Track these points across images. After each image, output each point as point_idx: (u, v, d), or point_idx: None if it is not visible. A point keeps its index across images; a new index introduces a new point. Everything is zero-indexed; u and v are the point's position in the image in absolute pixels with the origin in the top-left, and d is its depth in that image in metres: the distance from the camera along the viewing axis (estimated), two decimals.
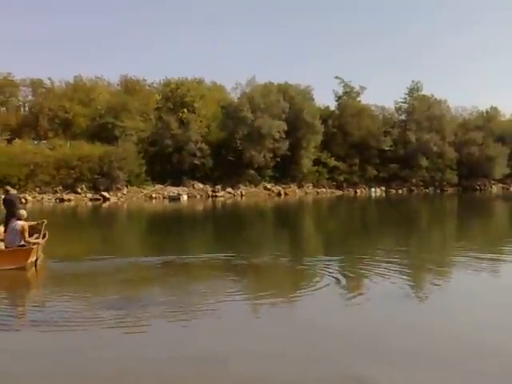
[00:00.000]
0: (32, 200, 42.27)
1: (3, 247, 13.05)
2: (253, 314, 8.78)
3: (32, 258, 12.66)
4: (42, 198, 43.27)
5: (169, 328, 7.78)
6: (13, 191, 16.73)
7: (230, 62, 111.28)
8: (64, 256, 13.99)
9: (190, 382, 5.94)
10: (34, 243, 12.94)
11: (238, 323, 8.05)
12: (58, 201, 43.00)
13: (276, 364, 6.36)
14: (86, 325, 7.81)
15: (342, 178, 56.60)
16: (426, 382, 5.87)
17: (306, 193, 53.58)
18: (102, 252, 15.09)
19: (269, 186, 52.09)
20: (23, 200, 40.43)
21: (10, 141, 48.68)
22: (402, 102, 63.69)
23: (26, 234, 12.83)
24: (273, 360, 6.46)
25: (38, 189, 44.36)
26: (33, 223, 14.38)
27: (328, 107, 61.38)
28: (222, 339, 7.27)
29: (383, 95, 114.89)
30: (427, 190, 60.16)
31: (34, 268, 12.56)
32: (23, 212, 13.38)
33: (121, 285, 10.89)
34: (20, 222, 12.89)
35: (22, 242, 12.71)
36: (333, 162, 56.09)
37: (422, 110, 61.48)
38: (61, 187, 44.90)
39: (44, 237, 14.10)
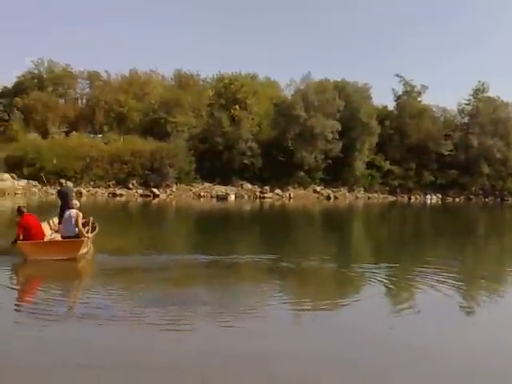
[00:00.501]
0: (86, 193, 43.29)
1: (59, 238, 13.63)
2: (297, 317, 8.72)
3: (83, 250, 13.04)
4: (96, 192, 44.31)
5: (211, 328, 7.76)
6: (68, 184, 17.77)
7: (284, 57, 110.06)
8: (113, 250, 14.16)
9: (231, 380, 6.00)
10: (85, 235, 13.31)
11: (282, 326, 8.06)
12: (110, 195, 43.88)
13: (318, 367, 6.39)
14: (130, 321, 7.90)
15: (396, 182, 54.62)
16: None
17: (357, 197, 52.18)
18: (150, 248, 15.32)
19: (318, 188, 51.05)
20: (78, 193, 41.65)
21: (67, 133, 49.85)
22: (466, 104, 60.78)
23: (80, 223, 13.26)
24: (315, 363, 6.51)
25: (92, 183, 45.37)
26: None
27: (386, 107, 59.35)
28: (265, 340, 7.28)
29: (445, 96, 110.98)
30: (487, 200, 57.13)
31: (83, 260, 13.01)
32: (76, 202, 13.97)
33: (166, 282, 10.98)
34: (75, 210, 13.36)
35: (77, 231, 13.14)
36: (387, 165, 54.24)
37: (486, 113, 58.43)
38: (113, 182, 45.71)
39: (94, 230, 14.66)
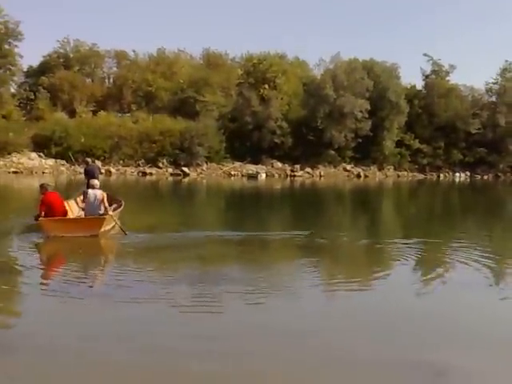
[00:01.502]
0: (116, 172, 43.39)
1: (83, 216, 13.52)
2: (329, 294, 8.63)
3: (105, 227, 12.92)
4: (125, 171, 44.30)
5: (243, 306, 7.66)
6: (95, 162, 17.79)
7: (314, 37, 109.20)
8: (142, 228, 14.01)
9: (265, 356, 5.87)
10: (109, 213, 13.17)
11: (315, 304, 7.94)
12: (140, 174, 43.96)
13: (351, 341, 6.36)
14: (157, 300, 7.67)
15: (425, 161, 54.39)
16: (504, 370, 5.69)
17: (387, 175, 52.10)
18: (181, 226, 15.28)
19: (348, 167, 51.01)
20: (108, 172, 41.77)
21: (95, 112, 49.82)
22: (493, 83, 60.25)
23: (106, 202, 13.23)
24: (348, 338, 6.50)
25: (121, 161, 45.34)
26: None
27: (414, 86, 58.74)
28: (299, 318, 7.20)
29: (473, 75, 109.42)
30: None
31: (109, 238, 12.92)
32: (96, 181, 13.82)
33: (197, 260, 10.83)
34: (100, 191, 13.35)
35: (102, 211, 13.04)
36: (416, 144, 53.95)
37: None
38: (143, 161, 45.66)
39: (119, 208, 14.61)
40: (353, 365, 5.71)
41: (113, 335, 6.39)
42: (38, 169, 41.89)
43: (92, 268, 10.15)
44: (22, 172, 40.89)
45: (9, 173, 39.89)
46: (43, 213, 12.33)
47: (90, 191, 13.30)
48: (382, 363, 5.75)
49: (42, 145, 43.81)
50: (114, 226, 13.51)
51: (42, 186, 13.02)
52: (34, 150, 43.87)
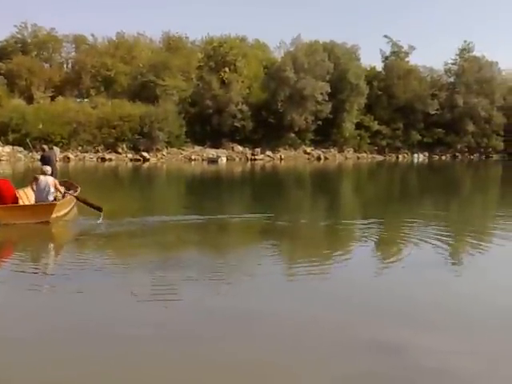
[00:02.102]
0: (74, 159, 42.97)
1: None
2: (288, 277, 8.65)
3: (58, 213, 13.01)
4: (84, 157, 43.83)
5: (202, 292, 7.57)
6: (53, 148, 17.78)
7: (274, 19, 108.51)
8: (99, 214, 13.66)
9: (220, 340, 5.91)
10: (58, 199, 13.31)
11: (274, 287, 7.92)
12: (99, 160, 43.51)
13: (308, 325, 6.34)
14: (112, 288, 7.68)
15: (384, 142, 55.27)
16: (460, 348, 5.80)
17: (347, 158, 52.70)
18: (140, 211, 15.19)
19: (309, 149, 51.39)
20: (66, 158, 41.43)
21: (53, 98, 49.06)
22: (452, 64, 61.20)
23: (61, 188, 13.67)
24: (306, 324, 6.43)
25: (80, 147, 44.82)
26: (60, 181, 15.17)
27: (374, 68, 59.42)
28: (256, 301, 7.22)
29: (431, 56, 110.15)
30: (472, 157, 58.49)
31: (62, 224, 12.95)
32: (48, 168, 13.91)
33: (155, 246, 10.78)
34: (51, 178, 13.49)
35: (52, 198, 13.14)
36: (376, 125, 54.71)
37: (471, 72, 58.97)
38: (102, 146, 45.25)
39: (75, 193, 14.66)
40: (309, 348, 5.74)
41: (66, 326, 6.32)
42: None
43: (44, 257, 10.15)
44: None
45: None
46: None
47: (42, 177, 13.36)
48: (339, 345, 5.82)
49: None
50: (68, 212, 13.70)
51: None
52: None
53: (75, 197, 14.07)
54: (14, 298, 7.39)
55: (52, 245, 11.50)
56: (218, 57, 50.40)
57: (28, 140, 36.71)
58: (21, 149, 41.98)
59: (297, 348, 5.73)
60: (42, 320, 6.50)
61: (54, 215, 12.77)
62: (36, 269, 8.95)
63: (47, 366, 5.36)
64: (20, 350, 5.64)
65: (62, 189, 14.12)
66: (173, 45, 55.66)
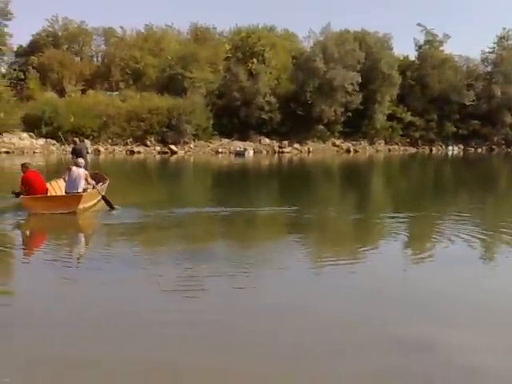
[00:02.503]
0: (104, 151, 43.27)
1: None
2: (316, 270, 8.60)
3: (85, 204, 13.64)
4: (114, 150, 44.04)
5: (227, 285, 7.61)
6: (84, 141, 18.87)
7: (303, 8, 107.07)
8: (128, 206, 14.14)
9: (247, 333, 5.97)
10: (87, 190, 14.05)
11: (300, 280, 7.90)
12: (128, 153, 43.70)
13: (338, 318, 6.33)
14: (140, 279, 7.71)
15: (417, 134, 53.80)
16: (492, 345, 5.66)
17: (377, 150, 51.49)
18: (167, 204, 15.34)
19: (338, 142, 50.43)
20: (97, 151, 41.76)
21: (84, 91, 49.52)
22: (489, 52, 59.07)
23: (91, 180, 14.31)
24: (334, 319, 6.41)
25: (110, 140, 45.09)
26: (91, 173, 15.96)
27: (407, 57, 57.86)
28: (283, 295, 7.18)
29: (468, 45, 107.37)
30: (509, 150, 56.29)
31: (88, 214, 13.55)
32: (81, 160, 14.74)
33: (183, 238, 10.86)
34: (83, 169, 14.18)
35: (81, 190, 13.79)
36: (408, 117, 53.27)
37: (510, 61, 56.76)
38: (131, 139, 45.43)
39: (104, 185, 15.39)
40: (339, 341, 5.72)
41: (95, 314, 6.45)
42: (29, 149, 41.73)
43: (73, 247, 10.34)
44: (13, 152, 40.83)
45: (0, 153, 39.84)
46: (24, 191, 13.10)
47: (74, 168, 13.95)
48: (369, 339, 5.73)
49: (32, 125, 43.48)
50: (96, 204, 14.18)
51: (23, 165, 13.78)
52: (24, 130, 43.67)
53: (98, 191, 14.44)
54: (43, 287, 7.54)
55: (81, 235, 12.12)
56: (246, 48, 49.81)
57: (60, 133, 37.15)
58: (53, 141, 42.45)
59: (325, 342, 5.67)
60: (72, 309, 6.62)
61: (81, 206, 13.31)
62: (66, 259, 9.20)
63: (78, 352, 5.45)
64: (52, 337, 5.78)
65: (93, 182, 14.65)
66: (200, 36, 55.51)
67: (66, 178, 14.08)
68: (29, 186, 13.22)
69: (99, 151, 42.50)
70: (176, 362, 5.26)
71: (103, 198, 14.04)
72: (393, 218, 13.12)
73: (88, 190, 14.02)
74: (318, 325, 6.17)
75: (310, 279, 8.00)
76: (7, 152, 40.35)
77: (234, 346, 5.63)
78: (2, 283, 7.81)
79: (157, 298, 7.03)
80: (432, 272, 8.27)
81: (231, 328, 6.07)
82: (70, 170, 14.09)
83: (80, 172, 13.91)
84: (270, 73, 49.80)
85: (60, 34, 55.93)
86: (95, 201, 14.32)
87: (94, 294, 7.25)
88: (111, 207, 13.57)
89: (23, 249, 10.25)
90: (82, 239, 11.55)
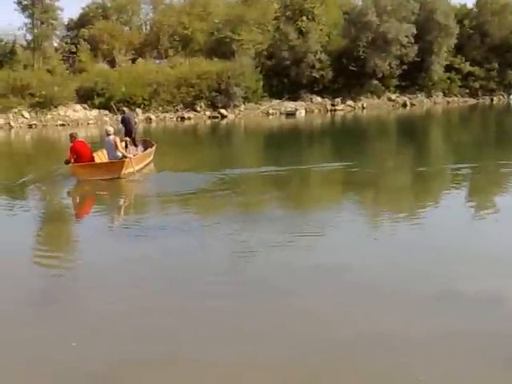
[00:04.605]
0: (155, 119, 43.48)
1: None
2: (375, 227, 8.53)
3: (126, 170, 14.33)
4: (165, 117, 44.11)
5: (284, 243, 7.57)
6: (134, 111, 20.03)
7: None
8: (181, 169, 15.10)
9: (310, 292, 5.92)
10: (128, 156, 14.76)
11: (360, 238, 7.81)
12: (179, 119, 43.73)
13: (392, 276, 6.25)
14: (194, 244, 7.71)
15: (477, 84, 51.17)
16: None
17: (435, 103, 49.40)
18: (220, 165, 15.68)
19: (393, 96, 48.65)
20: (148, 119, 42.00)
21: (133, 61, 49.76)
22: None
23: (120, 146, 14.79)
24: (394, 273, 6.35)
25: (160, 108, 45.14)
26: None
27: (465, 5, 55.11)
28: (345, 254, 7.10)
29: None
30: None
31: (133, 180, 14.24)
32: (110, 128, 15.68)
33: (236, 200, 10.86)
34: (112, 136, 14.86)
35: (120, 155, 14.53)
36: (467, 67, 50.73)
37: None
38: (181, 106, 45.33)
39: (151, 149, 16.51)
40: (397, 300, 5.63)
41: (151, 279, 6.58)
42: (83, 120, 42.47)
43: (124, 213, 10.84)
44: (68, 124, 41.56)
45: (56, 126, 40.72)
46: (72, 159, 14.07)
47: (106, 138, 14.90)
48: (437, 294, 5.63)
49: (85, 96, 44.12)
50: (142, 168, 15.04)
51: (71, 136, 14.72)
52: (78, 102, 44.34)
53: (130, 158, 14.85)
54: (99, 254, 7.69)
55: (131, 201, 12.36)
56: (295, 5, 48.49)
57: (112, 103, 37.50)
58: (106, 112, 42.93)
59: (391, 300, 5.56)
60: (129, 274, 6.77)
61: (124, 171, 14.13)
62: (119, 224, 9.60)
63: (137, 315, 5.61)
64: (115, 305, 5.88)
65: (122, 146, 15.19)
66: None
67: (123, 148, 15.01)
68: (76, 155, 14.09)
69: (150, 119, 42.74)
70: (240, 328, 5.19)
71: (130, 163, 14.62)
72: (454, 169, 12.62)
73: (129, 155, 14.77)
74: (384, 282, 6.01)
75: (371, 236, 7.88)
76: (62, 124, 41.19)
77: (291, 305, 5.59)
78: (62, 251, 7.99)
79: (217, 264, 6.96)
80: (496, 224, 8.01)
81: (291, 291, 5.98)
82: (104, 140, 15.27)
83: (110, 139, 14.68)
84: (321, 30, 48.34)
85: (109, 5, 56.25)
86: (141, 165, 15.09)
87: (154, 262, 7.22)
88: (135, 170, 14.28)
89: (77, 217, 10.44)
90: (134, 205, 11.71)
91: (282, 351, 4.71)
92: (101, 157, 15.54)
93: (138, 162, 15.14)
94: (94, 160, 14.73)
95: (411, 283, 5.89)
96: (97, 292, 6.21)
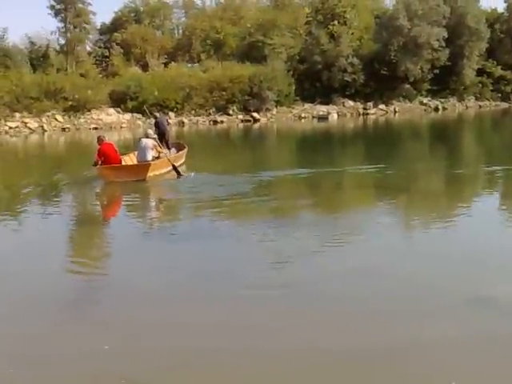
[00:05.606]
0: (188, 123, 43.91)
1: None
2: (407, 233, 8.48)
3: (155, 172, 14.53)
4: (197, 121, 44.52)
5: (316, 248, 7.54)
6: (165, 114, 22.42)
7: None
8: (213, 171, 15.01)
9: (338, 292, 6.00)
10: (163, 152, 15.27)
11: (392, 244, 7.76)
12: (211, 123, 44.12)
13: (426, 278, 6.23)
14: (225, 246, 7.79)
15: (508, 88, 51.05)
16: None
17: (467, 107, 49.31)
18: (252, 168, 15.75)
19: (425, 100, 48.66)
20: (181, 123, 42.46)
21: (166, 65, 50.35)
22: None
23: (158, 149, 15.11)
24: (430, 276, 6.31)
25: (193, 111, 45.56)
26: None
27: (495, 9, 55.02)
28: (374, 259, 7.09)
29: None
30: None
31: (164, 181, 14.39)
32: (150, 131, 15.80)
33: (268, 204, 10.79)
34: (151, 140, 15.09)
35: (150, 159, 14.69)
36: (499, 71, 50.61)
37: None
38: (214, 109, 45.73)
39: (183, 152, 16.72)
40: (435, 303, 5.60)
41: (184, 282, 6.57)
42: (116, 124, 42.84)
43: (152, 214, 10.86)
44: (101, 128, 41.94)
45: (89, 129, 41.17)
46: (99, 161, 14.22)
47: (144, 139, 14.98)
48: (465, 301, 5.65)
49: (118, 100, 44.55)
50: (169, 171, 14.96)
51: (98, 138, 15.03)
52: (111, 106, 44.86)
53: (168, 159, 15.28)
54: (132, 258, 7.62)
55: (159, 203, 12.30)
56: (327, 10, 48.63)
57: (145, 107, 37.98)
58: (139, 116, 43.41)
59: (421, 306, 5.51)
60: (160, 277, 6.71)
61: (150, 174, 14.22)
62: (147, 226, 9.33)
63: (170, 318, 5.56)
64: (148, 306, 5.88)
65: (164, 150, 15.73)
66: (280, 1, 54.75)
67: (138, 148, 15.17)
68: (104, 157, 14.23)
69: (183, 123, 43.12)
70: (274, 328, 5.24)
71: (173, 166, 14.79)
72: (487, 172, 12.54)
73: (160, 159, 14.91)
74: (412, 288, 5.98)
75: (402, 242, 7.82)
76: (96, 128, 41.61)
77: (332, 310, 5.65)
78: (95, 255, 7.97)
79: (250, 267, 6.94)
80: None
81: (325, 293, 6.04)
82: (139, 140, 15.17)
83: (148, 142, 14.76)
84: (352, 34, 48.54)
85: (141, 9, 56.96)
86: (167, 169, 15.06)
87: (179, 261, 7.28)
88: (178, 174, 14.34)
89: (105, 219, 10.52)
90: (162, 207, 11.73)
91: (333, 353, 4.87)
92: (129, 160, 15.79)
93: (165, 165, 15.19)
94: (121, 162, 14.92)
95: (447, 288, 5.97)
96: (130, 296, 6.20)
